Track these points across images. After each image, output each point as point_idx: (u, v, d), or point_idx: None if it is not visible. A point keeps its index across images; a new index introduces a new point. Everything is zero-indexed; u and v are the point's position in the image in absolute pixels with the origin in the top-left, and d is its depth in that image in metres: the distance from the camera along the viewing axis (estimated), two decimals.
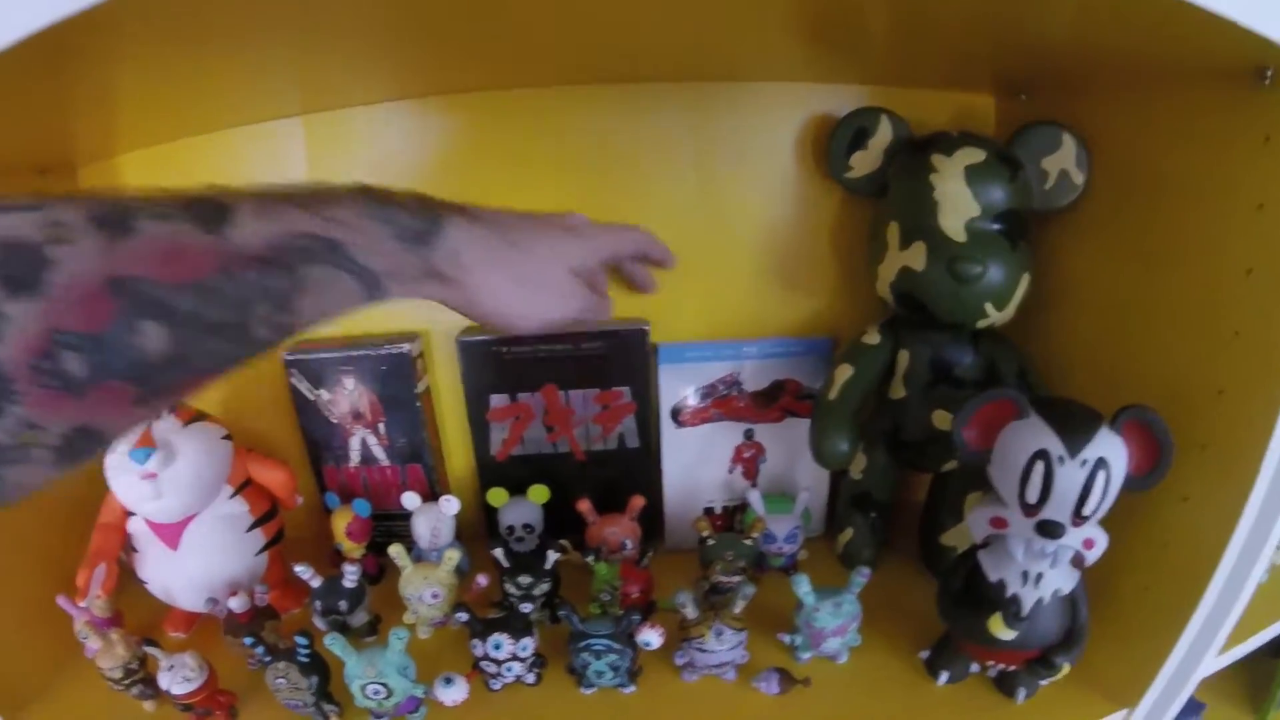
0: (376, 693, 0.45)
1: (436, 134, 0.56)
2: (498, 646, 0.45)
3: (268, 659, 0.46)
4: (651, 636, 0.44)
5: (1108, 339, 0.47)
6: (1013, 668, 0.46)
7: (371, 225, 0.30)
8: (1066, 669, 0.44)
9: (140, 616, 0.52)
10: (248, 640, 0.46)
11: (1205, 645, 0.44)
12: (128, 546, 0.54)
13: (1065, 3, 0.32)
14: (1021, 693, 0.46)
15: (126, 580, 0.54)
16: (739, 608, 0.45)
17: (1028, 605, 0.42)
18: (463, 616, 0.45)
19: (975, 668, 0.48)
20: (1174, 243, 0.42)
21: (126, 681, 0.51)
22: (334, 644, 0.45)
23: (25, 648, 0.53)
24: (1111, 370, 0.47)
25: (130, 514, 0.53)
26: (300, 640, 0.46)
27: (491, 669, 0.47)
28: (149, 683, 0.52)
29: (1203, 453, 0.40)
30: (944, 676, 0.47)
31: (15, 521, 0.53)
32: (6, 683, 0.50)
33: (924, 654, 0.49)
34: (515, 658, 0.46)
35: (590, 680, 0.47)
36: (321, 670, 0.47)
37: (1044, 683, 0.47)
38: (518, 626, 0.46)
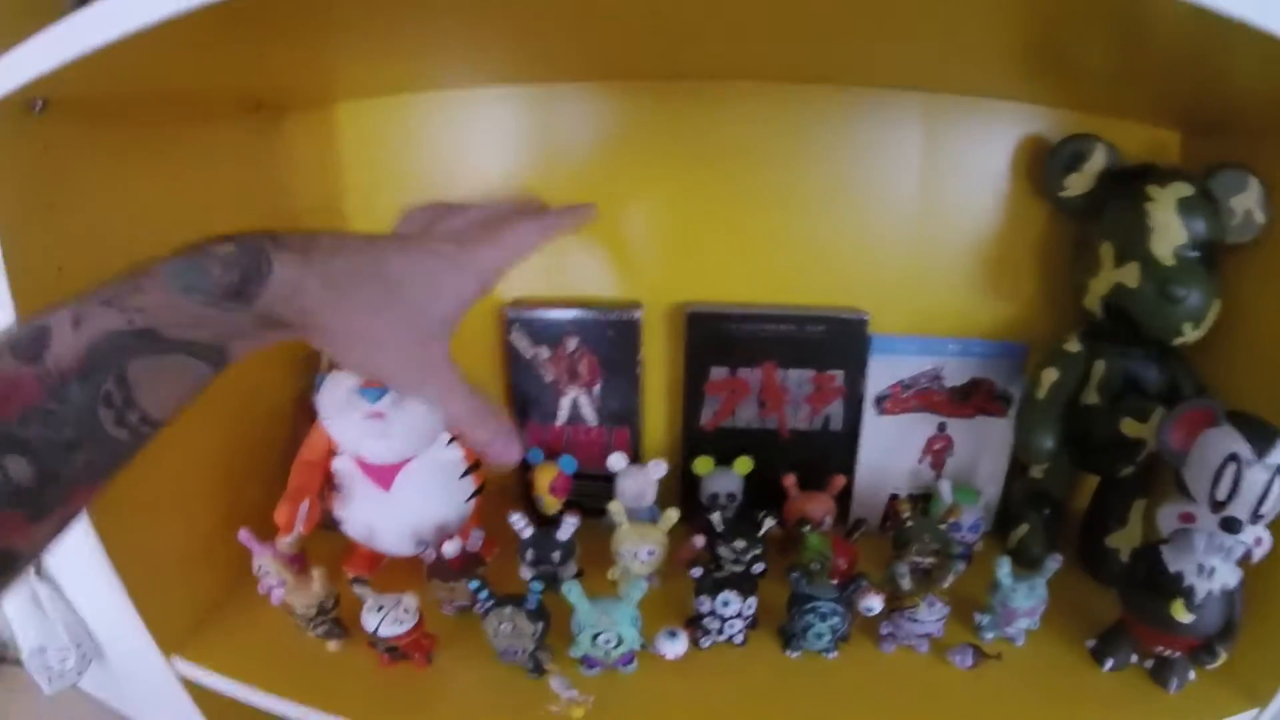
0: (608, 642, 0.52)
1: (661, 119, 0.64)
2: (726, 603, 0.53)
3: (491, 603, 0.53)
4: (874, 602, 0.52)
5: (1278, 365, 0.59)
6: (1176, 654, 0.56)
7: (182, 300, 0.31)
8: (1224, 657, 0.55)
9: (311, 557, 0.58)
10: (473, 585, 0.52)
11: None
12: (328, 485, 0.60)
13: (1255, 58, 0.40)
14: (1174, 683, 0.56)
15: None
16: (948, 582, 0.55)
17: (1200, 595, 0.53)
18: (697, 572, 0.53)
19: (1135, 658, 0.59)
20: None
21: (318, 619, 0.56)
22: (571, 591, 0.52)
23: (185, 584, 0.58)
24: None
25: (335, 453, 0.59)
26: (535, 586, 0.53)
27: (712, 625, 0.55)
28: (338, 622, 0.58)
29: None
30: (1109, 663, 0.57)
31: (173, 461, 0.57)
32: (165, 618, 0.55)
33: (1091, 643, 0.59)
34: (740, 615, 0.54)
35: (802, 643, 0.55)
36: (546, 618, 0.53)
37: (1193, 675, 0.57)
38: (747, 586, 0.54)
